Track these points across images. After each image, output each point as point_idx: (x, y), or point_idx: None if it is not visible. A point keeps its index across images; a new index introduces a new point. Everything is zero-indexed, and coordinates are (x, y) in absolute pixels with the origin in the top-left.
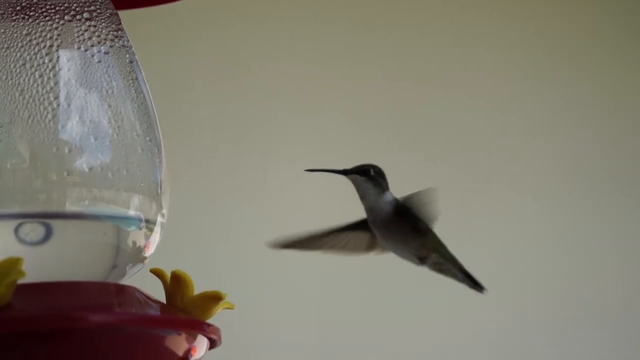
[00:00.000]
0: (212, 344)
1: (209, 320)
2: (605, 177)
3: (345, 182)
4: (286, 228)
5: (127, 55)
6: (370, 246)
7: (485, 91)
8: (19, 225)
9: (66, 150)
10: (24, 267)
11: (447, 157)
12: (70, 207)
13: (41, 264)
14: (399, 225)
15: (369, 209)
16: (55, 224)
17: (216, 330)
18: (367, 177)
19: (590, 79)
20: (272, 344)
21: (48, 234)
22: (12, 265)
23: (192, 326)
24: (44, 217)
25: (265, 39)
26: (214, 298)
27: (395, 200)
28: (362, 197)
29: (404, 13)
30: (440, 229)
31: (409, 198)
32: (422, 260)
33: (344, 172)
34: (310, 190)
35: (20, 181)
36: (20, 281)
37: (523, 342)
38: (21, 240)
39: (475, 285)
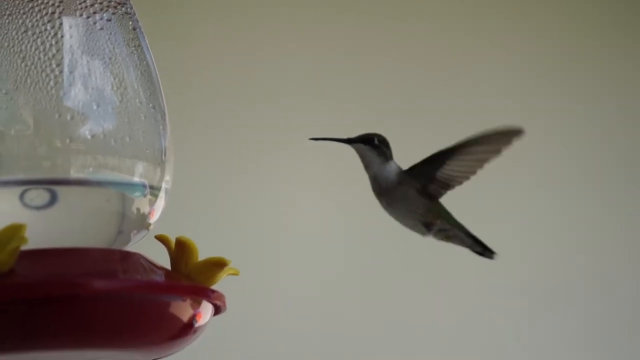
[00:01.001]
0: (217, 310)
1: (213, 287)
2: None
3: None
4: (287, 196)
5: (130, 23)
6: None
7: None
8: (24, 191)
9: (68, 117)
10: (29, 233)
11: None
12: (74, 173)
13: (46, 230)
14: (404, 192)
15: (373, 178)
16: (59, 190)
17: (221, 297)
18: (371, 145)
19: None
20: (276, 311)
21: (53, 199)
22: (15, 231)
23: (196, 292)
24: (49, 183)
25: (259, 27)
26: (218, 264)
27: (399, 169)
28: (366, 166)
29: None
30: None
31: (414, 166)
32: (428, 227)
33: (348, 141)
34: (311, 164)
35: (24, 148)
36: (25, 247)
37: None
38: (26, 206)
39: (484, 250)
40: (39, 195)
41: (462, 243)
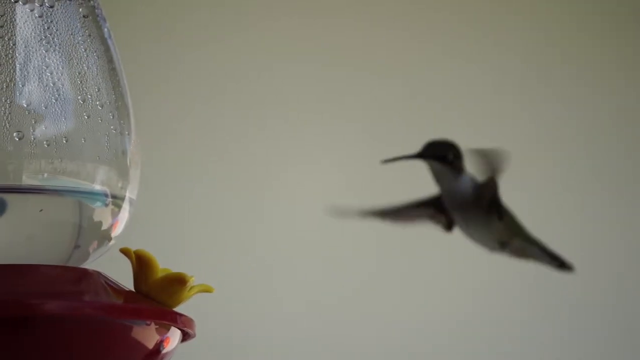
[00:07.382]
0: (185, 336)
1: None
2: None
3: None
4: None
5: (81, 10)
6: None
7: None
8: None
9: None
10: None
11: None
12: (26, 180)
13: None
14: (478, 208)
15: (445, 193)
16: (9, 198)
17: (189, 322)
18: (445, 162)
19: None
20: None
21: (1, 209)
22: None
23: (162, 316)
24: None
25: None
26: (177, 281)
27: (474, 182)
28: (437, 181)
29: None
30: None
31: (487, 181)
32: (503, 245)
33: (420, 157)
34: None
35: None
36: None
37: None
38: None
39: (562, 265)
40: None
41: (538, 260)
